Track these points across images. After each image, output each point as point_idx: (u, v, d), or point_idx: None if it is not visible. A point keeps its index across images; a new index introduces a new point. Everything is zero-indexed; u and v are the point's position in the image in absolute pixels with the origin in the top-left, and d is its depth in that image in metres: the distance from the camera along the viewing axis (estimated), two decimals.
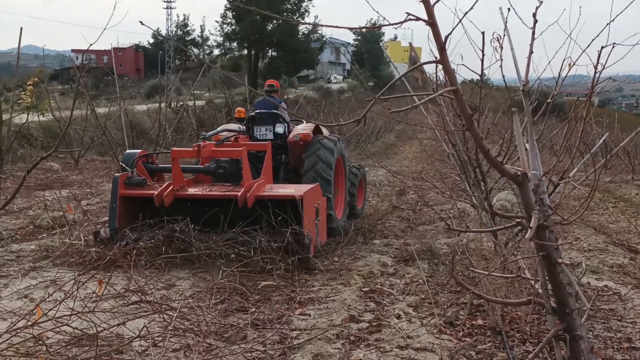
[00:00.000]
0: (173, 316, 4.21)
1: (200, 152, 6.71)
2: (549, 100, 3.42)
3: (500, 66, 3.45)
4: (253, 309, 4.86)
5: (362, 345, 4.24)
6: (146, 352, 3.93)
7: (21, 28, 7.06)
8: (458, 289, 5.46)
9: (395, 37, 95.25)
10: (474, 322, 4.66)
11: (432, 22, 2.21)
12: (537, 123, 4.04)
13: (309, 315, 4.84)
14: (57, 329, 4.02)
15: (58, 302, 4.17)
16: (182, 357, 3.91)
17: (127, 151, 7.36)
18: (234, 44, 54.78)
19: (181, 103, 23.51)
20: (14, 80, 14.56)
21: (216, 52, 63.72)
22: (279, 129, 7.89)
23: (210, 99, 36.88)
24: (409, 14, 2.30)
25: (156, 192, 6.42)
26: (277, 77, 46.97)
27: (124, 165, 6.81)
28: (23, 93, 12.68)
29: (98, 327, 3.96)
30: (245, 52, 53.80)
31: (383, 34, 78.81)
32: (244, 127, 8.07)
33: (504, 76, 3.65)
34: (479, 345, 4.21)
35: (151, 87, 45.52)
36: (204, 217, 6.46)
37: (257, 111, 8.09)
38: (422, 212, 10.17)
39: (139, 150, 7.30)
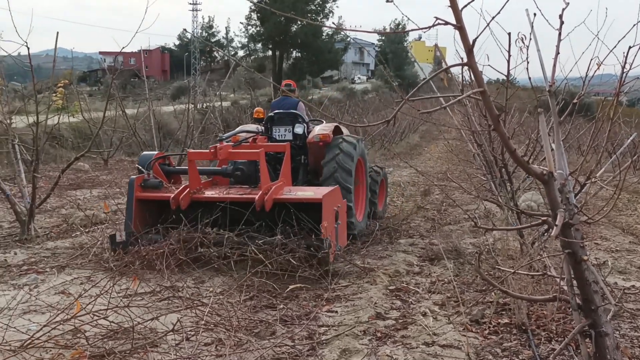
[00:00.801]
0: (204, 311, 4.33)
1: (217, 154, 6.55)
2: (575, 101, 3.45)
3: (527, 67, 3.49)
4: (281, 306, 4.97)
5: (389, 342, 4.32)
6: (179, 345, 4.06)
7: (57, 33, 7.29)
8: (484, 288, 5.50)
9: (420, 37, 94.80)
10: (499, 320, 4.70)
11: (460, 26, 2.29)
12: (564, 123, 4.08)
13: (336, 312, 4.93)
14: (95, 323, 4.17)
15: (94, 297, 4.34)
16: (213, 350, 4.02)
17: (144, 153, 7.28)
18: (259, 45, 55.16)
19: (207, 104, 23.77)
20: (49, 82, 14.85)
21: (241, 53, 64.18)
22: (298, 129, 7.76)
23: (236, 100, 37.22)
24: (437, 18, 2.39)
25: (172, 195, 6.30)
26: (301, 77, 47.29)
27: (140, 167, 6.74)
28: (54, 95, 13.00)
29: (133, 321, 4.11)
30: (270, 53, 54.12)
31: (407, 34, 78.46)
32: (263, 128, 7.96)
33: (529, 77, 3.69)
34: (505, 343, 4.25)
35: (177, 89, 46.08)
36: (222, 219, 6.26)
37: (276, 111, 7.94)
38: (447, 212, 10.19)
39: (155, 152, 7.19)
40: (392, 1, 2.07)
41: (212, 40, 71.76)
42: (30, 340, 3.90)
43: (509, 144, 2.41)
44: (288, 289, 5.31)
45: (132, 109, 22.16)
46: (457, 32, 2.35)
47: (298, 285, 5.36)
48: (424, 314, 4.84)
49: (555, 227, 2.43)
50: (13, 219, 7.94)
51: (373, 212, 8.61)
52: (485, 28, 2.41)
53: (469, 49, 2.28)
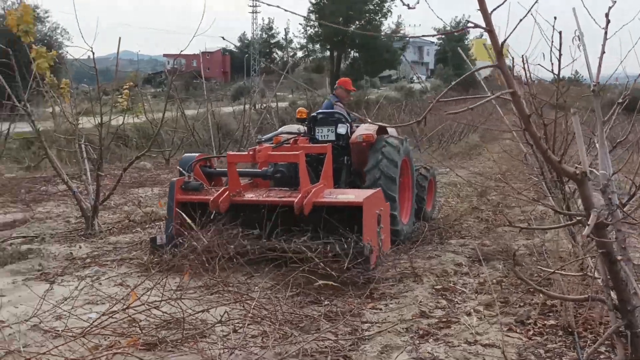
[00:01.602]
0: (252, 305, 4.50)
1: (256, 156, 6.37)
2: (620, 100, 3.42)
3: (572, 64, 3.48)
4: (326, 302, 5.08)
5: (431, 340, 4.37)
6: (227, 336, 4.24)
7: (119, 38, 7.64)
8: (532, 290, 5.44)
9: (482, 35, 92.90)
10: (545, 322, 4.66)
11: (489, 30, 2.34)
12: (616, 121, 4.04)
13: (380, 309, 5.02)
14: (148, 313, 4.42)
15: (149, 289, 4.60)
16: (259, 342, 4.18)
17: (185, 155, 7.22)
18: (317, 46, 55.50)
19: (265, 105, 24.19)
20: (112, 85, 15.51)
21: (300, 54, 64.76)
22: (341, 129, 7.59)
23: (293, 100, 37.62)
24: (468, 21, 2.46)
25: (212, 198, 6.22)
26: (358, 77, 47.24)
27: (181, 170, 6.71)
28: (120, 97, 13.60)
29: (184, 312, 4.33)
30: (328, 53, 54.39)
31: (468, 32, 77.14)
32: (305, 129, 7.84)
33: (575, 74, 3.67)
34: (549, 344, 4.23)
35: (237, 90, 46.96)
36: (262, 222, 6.14)
37: (319, 111, 7.88)
38: (502, 213, 10.05)
39: (197, 154, 7.10)
40: (414, 7, 2.15)
41: (272, 41, 72.74)
42: (89, 328, 4.17)
43: (541, 144, 2.44)
44: (317, 283, 5.24)
45: (193, 109, 22.85)
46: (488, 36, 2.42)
47: (330, 282, 5.24)
48: (468, 314, 4.86)
49: (587, 227, 2.44)
50: (79, 215, 8.38)
51: (422, 213, 8.42)
52: (513, 30, 2.45)
53: (499, 50, 2.33)
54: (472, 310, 4.97)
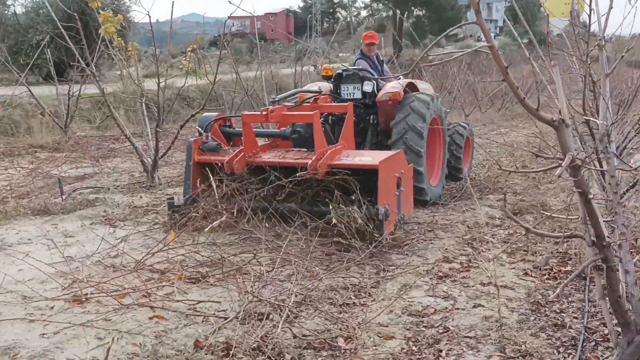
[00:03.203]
0: (282, 248, 4.92)
1: (269, 116, 6.16)
2: (623, 54, 3.59)
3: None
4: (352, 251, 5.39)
5: (448, 281, 4.71)
6: (260, 275, 4.70)
7: (172, 2, 8.07)
8: (557, 241, 5.64)
9: None
10: (562, 268, 4.90)
11: None
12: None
13: (407, 254, 5.37)
14: (189, 255, 4.99)
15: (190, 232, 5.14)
16: (291, 279, 4.62)
17: (204, 114, 7.01)
18: (380, 5, 54.82)
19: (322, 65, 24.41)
20: (169, 48, 16.03)
21: (364, 13, 64.13)
22: (367, 87, 7.26)
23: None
24: None
25: (227, 158, 6.07)
26: (422, 37, 46.41)
27: (199, 130, 6.59)
28: (184, 59, 14.22)
29: (222, 253, 4.85)
30: (392, 12, 53.61)
31: None
32: (331, 86, 7.57)
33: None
34: (559, 287, 4.47)
35: (299, 51, 47.22)
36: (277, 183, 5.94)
37: (344, 69, 7.65)
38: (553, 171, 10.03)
39: (216, 113, 6.91)
40: None
41: (335, 1, 72.18)
42: (140, 264, 4.79)
43: (518, 93, 2.69)
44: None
45: (258, 71, 23.35)
46: None
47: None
48: (490, 260, 5.14)
49: (560, 168, 2.71)
50: (142, 169, 9.06)
51: (456, 173, 8.26)
52: None
53: (477, 9, 2.60)
54: (494, 257, 5.25)
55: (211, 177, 5.94)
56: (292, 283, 4.49)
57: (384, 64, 8.27)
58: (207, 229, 5.16)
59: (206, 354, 3.46)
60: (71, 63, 11.41)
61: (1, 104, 13.50)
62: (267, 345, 3.50)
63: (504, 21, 75.90)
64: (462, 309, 4.16)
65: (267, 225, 5.44)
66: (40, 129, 13.00)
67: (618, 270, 2.97)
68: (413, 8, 51.82)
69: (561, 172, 2.71)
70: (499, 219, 6.72)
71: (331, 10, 71.87)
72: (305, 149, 6.38)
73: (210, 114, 6.83)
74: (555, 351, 3.47)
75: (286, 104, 6.86)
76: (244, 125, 6.31)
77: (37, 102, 13.21)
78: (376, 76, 7.57)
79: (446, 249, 5.54)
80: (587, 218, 2.96)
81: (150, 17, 7.95)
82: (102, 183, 8.64)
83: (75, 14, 8.45)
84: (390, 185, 5.74)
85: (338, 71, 7.59)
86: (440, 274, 4.85)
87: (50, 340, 3.63)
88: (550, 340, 3.61)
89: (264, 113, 6.18)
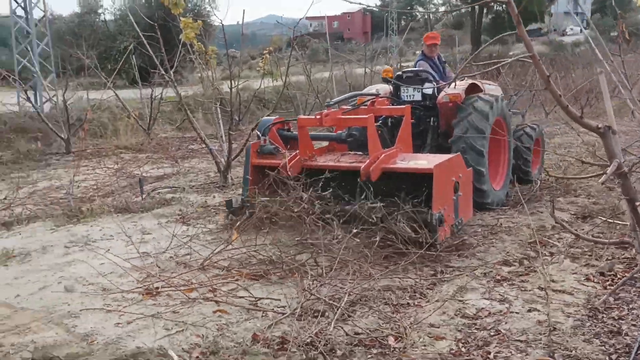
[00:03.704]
0: (340, 249, 5.07)
1: (323, 120, 6.22)
2: None
3: None
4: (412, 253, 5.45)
5: (506, 284, 4.71)
6: (319, 275, 4.88)
7: (243, 10, 8.40)
8: (625, 245, 5.48)
9: None
10: (627, 274, 4.77)
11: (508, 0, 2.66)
12: None
13: (466, 257, 5.39)
14: (249, 254, 5.26)
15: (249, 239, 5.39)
16: (349, 279, 4.77)
17: (264, 118, 7.15)
18: (459, 1, 53.72)
19: (400, 64, 24.36)
20: (260, 49, 16.56)
21: (442, 9, 63.10)
22: (428, 89, 7.19)
23: None
24: None
25: (282, 162, 6.15)
26: (501, 32, 45.16)
27: (258, 133, 6.69)
28: (260, 61, 14.68)
29: (281, 253, 5.08)
30: (470, 9, 52.45)
31: None
32: (391, 88, 7.50)
33: None
34: (622, 294, 4.39)
35: (375, 50, 47.14)
36: (338, 187, 6.07)
37: (405, 70, 7.59)
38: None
39: (275, 117, 7.03)
40: None
41: None
42: (206, 261, 5.11)
43: (561, 101, 2.73)
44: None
45: (334, 71, 23.63)
46: None
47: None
48: (551, 264, 5.08)
49: (604, 175, 2.72)
50: (217, 170, 9.48)
51: (525, 175, 8.05)
52: None
53: (517, 21, 2.66)
54: (557, 262, 5.19)
55: (270, 180, 6.13)
56: (349, 283, 4.64)
57: (446, 66, 8.18)
58: (233, 238, 5.47)
59: (262, 347, 3.68)
60: (150, 70, 12.04)
61: (91, 107, 14.43)
62: (320, 341, 3.67)
63: (592, 13, 72.59)
64: (516, 312, 4.16)
65: (329, 226, 5.57)
66: (125, 131, 13.83)
67: None
68: (492, 3, 50.44)
69: (605, 180, 2.73)
70: (567, 222, 6.58)
71: (409, 8, 71.22)
72: (360, 153, 6.40)
73: (269, 118, 6.98)
74: (607, 358, 3.44)
75: (343, 107, 6.95)
76: (300, 129, 6.38)
77: (123, 106, 14.05)
78: (437, 78, 7.50)
79: (507, 252, 5.51)
80: (636, 225, 2.94)
81: (223, 24, 8.34)
82: (179, 183, 9.12)
83: (155, 24, 8.92)
84: (447, 190, 5.65)
85: (398, 73, 7.58)
86: (498, 277, 4.85)
87: (124, 329, 3.97)
88: (603, 347, 3.57)
89: (318, 117, 6.27)
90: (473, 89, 7.18)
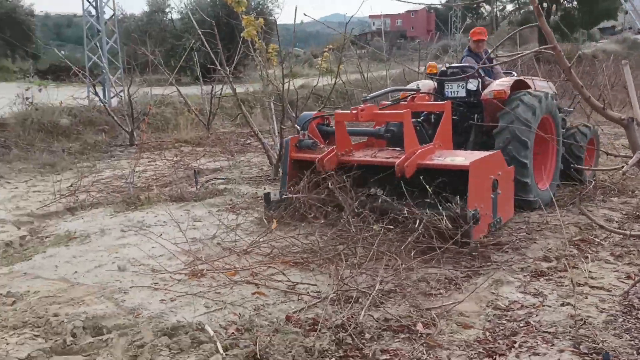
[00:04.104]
0: (375, 242, 5.18)
1: (359, 115, 6.15)
2: None
3: None
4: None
5: (542, 279, 4.70)
6: (356, 266, 5.00)
7: (295, 7, 8.60)
8: None
9: None
10: None
11: None
12: None
13: (506, 252, 5.39)
14: (291, 242, 5.45)
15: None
16: (385, 269, 4.87)
17: (304, 113, 7.20)
18: None
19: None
20: (322, 47, 16.78)
21: (509, 7, 61.56)
22: (471, 85, 7.09)
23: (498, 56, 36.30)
24: None
25: (319, 156, 6.22)
26: (572, 30, 43.75)
27: (298, 128, 6.78)
28: (321, 59, 14.92)
29: (319, 243, 5.25)
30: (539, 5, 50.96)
31: None
32: (435, 84, 7.45)
33: None
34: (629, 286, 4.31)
35: (438, 49, 46.60)
36: (375, 182, 6.18)
37: (449, 66, 7.55)
38: None
39: (315, 112, 7.06)
40: None
41: None
42: (250, 247, 5.33)
43: (584, 92, 2.77)
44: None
45: (397, 69, 23.57)
46: None
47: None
48: (592, 261, 5.03)
49: (625, 165, 2.74)
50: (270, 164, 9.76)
51: (577, 174, 7.77)
52: None
53: (538, 13, 2.71)
54: (599, 259, 5.12)
55: (309, 173, 6.30)
56: (385, 273, 4.74)
57: (494, 61, 8.01)
58: (273, 227, 5.72)
59: (294, 327, 3.85)
60: (209, 66, 12.45)
61: (153, 102, 15.04)
62: (350, 324, 3.81)
63: None
64: (549, 306, 4.17)
65: (366, 221, 5.67)
66: (186, 125, 14.36)
67: None
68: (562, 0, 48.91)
69: (627, 170, 2.75)
70: (616, 221, 6.45)
71: (475, 5, 69.82)
72: (398, 148, 6.35)
73: (309, 113, 7.05)
74: (635, 352, 3.42)
75: (383, 102, 6.96)
76: (337, 123, 6.43)
77: (184, 101, 14.58)
78: (482, 74, 7.36)
79: (549, 248, 5.47)
80: None
81: (276, 23, 8.55)
82: (232, 175, 9.44)
83: (212, 22, 9.25)
84: (484, 187, 5.56)
85: (442, 69, 7.52)
86: (536, 272, 4.85)
87: (167, 305, 4.24)
88: (632, 342, 3.55)
89: (354, 112, 6.20)
90: (520, 86, 7.04)
